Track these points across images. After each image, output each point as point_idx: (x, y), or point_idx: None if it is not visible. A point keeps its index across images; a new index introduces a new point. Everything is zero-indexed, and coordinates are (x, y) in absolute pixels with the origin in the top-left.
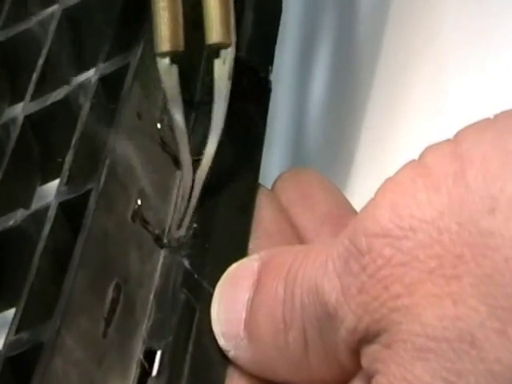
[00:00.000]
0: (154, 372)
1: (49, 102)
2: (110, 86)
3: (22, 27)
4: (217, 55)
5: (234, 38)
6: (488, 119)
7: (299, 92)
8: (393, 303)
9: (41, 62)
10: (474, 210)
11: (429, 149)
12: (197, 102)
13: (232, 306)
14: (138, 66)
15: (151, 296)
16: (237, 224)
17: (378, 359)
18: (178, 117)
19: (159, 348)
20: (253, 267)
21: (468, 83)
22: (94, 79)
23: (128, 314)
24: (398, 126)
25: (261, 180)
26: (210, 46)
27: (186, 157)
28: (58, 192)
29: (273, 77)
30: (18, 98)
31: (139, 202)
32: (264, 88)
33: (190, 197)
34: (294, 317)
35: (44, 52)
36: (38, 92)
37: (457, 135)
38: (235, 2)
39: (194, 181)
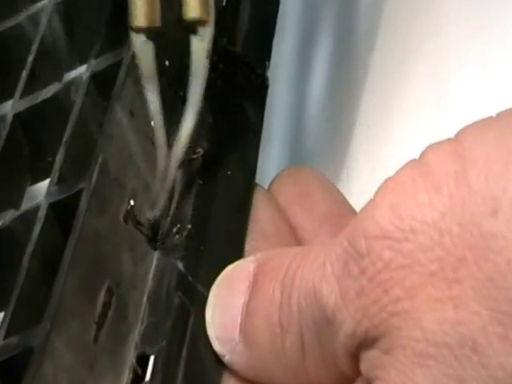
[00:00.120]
0: (147, 377)
1: (39, 100)
2: (102, 83)
3: (11, 22)
4: (194, 32)
5: (212, 16)
6: (490, 118)
7: (297, 89)
8: (393, 307)
9: (31, 58)
10: (475, 212)
11: (430, 148)
12: None
13: (227, 310)
14: (131, 62)
15: (144, 299)
16: (233, 225)
17: (377, 365)
18: (152, 96)
19: (152, 353)
20: (249, 269)
21: (469, 80)
22: (86, 76)
23: (120, 318)
24: (398, 124)
25: (258, 179)
26: (186, 21)
27: (160, 137)
28: (49, 192)
29: (270, 73)
30: (7, 95)
31: (132, 202)
32: (261, 85)
33: (166, 179)
34: (291, 321)
35: (34, 48)
36: (28, 89)
37: (458, 134)
38: None
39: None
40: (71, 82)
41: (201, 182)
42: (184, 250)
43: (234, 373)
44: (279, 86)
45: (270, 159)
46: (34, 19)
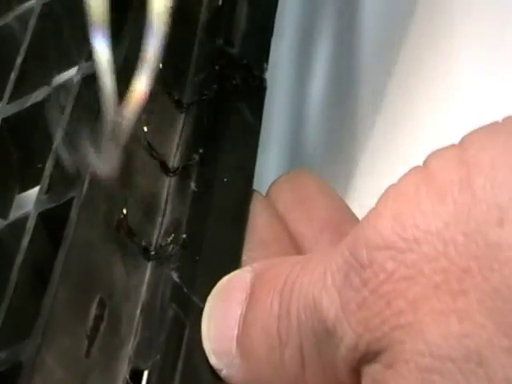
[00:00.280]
0: None
1: (28, 104)
2: (93, 86)
3: None
4: None
5: None
6: (496, 123)
7: (296, 90)
8: (395, 320)
9: (19, 60)
10: (481, 221)
11: (433, 154)
12: (186, 102)
13: (223, 322)
14: (123, 64)
15: (137, 312)
16: (229, 234)
17: (379, 380)
18: (101, 46)
19: (146, 367)
20: (245, 280)
21: (478, 82)
22: (77, 79)
23: (113, 332)
24: (402, 127)
25: (255, 185)
26: None
27: (108, 98)
28: (38, 201)
29: (268, 74)
30: None
31: (125, 211)
32: (259, 87)
33: (117, 138)
34: (289, 333)
35: (23, 50)
36: (17, 93)
37: (463, 140)
38: None
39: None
40: (62, 86)
41: (196, 189)
42: (179, 260)
43: None
44: (278, 87)
45: (269, 164)
46: (23, 20)
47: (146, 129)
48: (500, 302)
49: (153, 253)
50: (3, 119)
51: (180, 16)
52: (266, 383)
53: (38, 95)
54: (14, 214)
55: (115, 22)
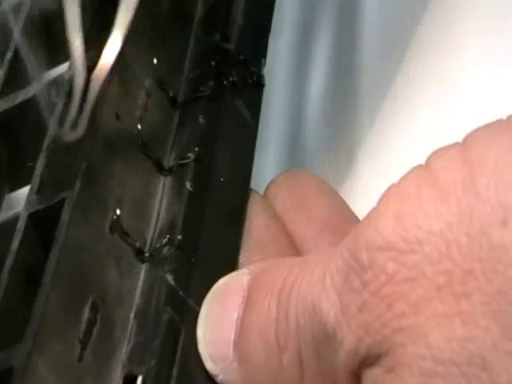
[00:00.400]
0: None
1: (18, 101)
2: (86, 83)
3: None
4: None
5: None
6: (500, 121)
7: (295, 88)
8: (397, 323)
9: (9, 55)
10: (484, 221)
11: (436, 153)
12: (181, 100)
13: (220, 326)
14: (117, 60)
15: (131, 316)
16: (226, 235)
17: None
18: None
19: (140, 373)
20: (242, 282)
21: (480, 80)
22: (68, 75)
23: (106, 336)
24: (403, 126)
25: (252, 185)
26: None
27: (76, 44)
28: (28, 201)
29: (266, 71)
30: None
31: (118, 211)
32: (256, 83)
33: (84, 100)
34: (288, 337)
35: (12, 45)
36: (6, 89)
37: (466, 138)
38: None
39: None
40: (52, 82)
41: (191, 189)
42: (174, 262)
43: None
44: (276, 84)
45: (266, 163)
46: (13, 13)
47: (139, 126)
48: (504, 304)
49: (147, 255)
50: None
51: (175, 10)
52: None
53: (28, 92)
54: (4, 215)
55: None
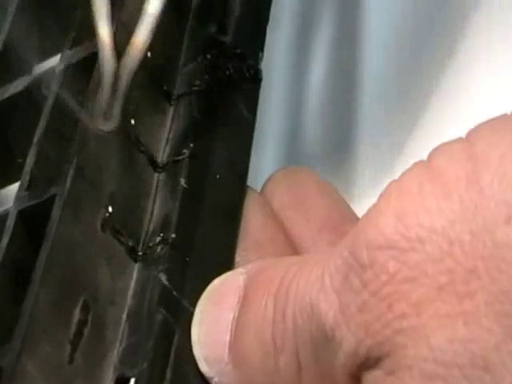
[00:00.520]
0: None
1: (7, 95)
2: (78, 76)
3: None
4: None
5: None
6: (505, 116)
7: (295, 82)
8: (398, 324)
9: None
10: (488, 219)
11: (438, 149)
12: (176, 94)
13: (215, 327)
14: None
15: (124, 316)
16: (222, 233)
17: None
18: None
19: (133, 375)
20: (238, 282)
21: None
22: (60, 68)
23: (97, 337)
24: (406, 122)
25: (249, 182)
26: None
27: (104, 31)
28: (18, 198)
29: (263, 65)
30: None
31: (110, 209)
32: (253, 77)
33: (116, 89)
34: (285, 338)
35: (2, 36)
36: None
37: (470, 134)
38: None
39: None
40: (43, 75)
41: (186, 186)
42: (168, 261)
43: None
44: (274, 78)
45: (264, 159)
46: (3, 4)
47: (133, 121)
48: (508, 304)
49: (140, 253)
50: None
51: (170, 1)
52: None
53: (17, 85)
54: None
55: None
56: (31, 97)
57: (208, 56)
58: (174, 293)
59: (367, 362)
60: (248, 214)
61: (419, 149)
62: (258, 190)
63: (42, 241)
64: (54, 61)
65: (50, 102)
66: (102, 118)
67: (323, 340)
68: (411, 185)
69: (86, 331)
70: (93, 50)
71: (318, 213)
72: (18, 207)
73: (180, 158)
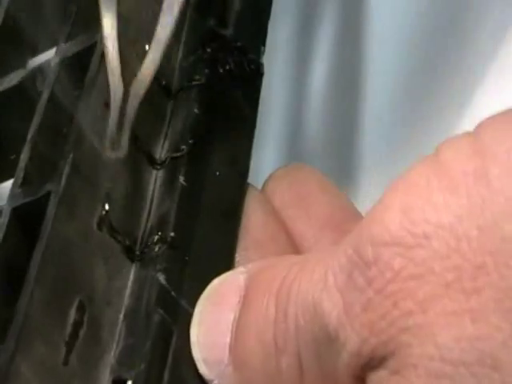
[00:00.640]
0: None
1: (0, 89)
2: (74, 70)
3: None
4: None
5: None
6: None
7: (297, 77)
8: (403, 322)
9: None
10: (497, 213)
11: (445, 143)
12: (175, 88)
13: (215, 328)
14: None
15: (120, 317)
16: (221, 232)
17: None
18: (109, 13)
19: (130, 377)
20: (239, 282)
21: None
22: (55, 62)
23: (93, 338)
24: (411, 118)
25: (250, 179)
26: None
27: (113, 60)
28: (12, 195)
29: (265, 59)
30: None
31: (107, 206)
32: (255, 72)
33: (124, 114)
34: (287, 339)
35: None
36: None
37: (478, 128)
38: None
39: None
40: (38, 69)
41: (185, 184)
42: (166, 261)
43: None
44: (276, 73)
45: (265, 156)
46: None
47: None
48: None
49: (137, 253)
50: None
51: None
52: None
53: (11, 79)
54: None
55: None
56: (25, 91)
57: (208, 50)
58: (173, 293)
59: (371, 362)
60: (248, 212)
61: (424, 147)
62: (259, 188)
63: (36, 239)
64: (49, 54)
65: (44, 97)
66: (110, 146)
67: (326, 340)
68: (417, 179)
69: (82, 332)
70: (89, 43)
71: (319, 211)
72: (12, 204)
73: (179, 154)
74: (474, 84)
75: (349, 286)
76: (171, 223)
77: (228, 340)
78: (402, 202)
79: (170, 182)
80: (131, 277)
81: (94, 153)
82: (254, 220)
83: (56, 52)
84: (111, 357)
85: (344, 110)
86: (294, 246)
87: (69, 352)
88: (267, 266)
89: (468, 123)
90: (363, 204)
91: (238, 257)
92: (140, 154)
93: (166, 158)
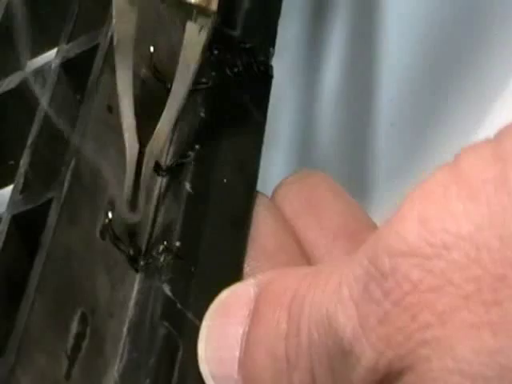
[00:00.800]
0: None
1: None
2: (75, 73)
3: None
4: (192, 19)
5: (216, 4)
6: None
7: (307, 80)
8: (421, 335)
9: None
10: None
11: (465, 150)
12: None
13: (223, 342)
14: (109, 48)
15: (124, 330)
16: (229, 242)
17: None
18: (124, 73)
19: None
20: (248, 294)
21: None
22: (55, 64)
23: (96, 352)
24: (428, 124)
25: (259, 187)
26: (185, 4)
27: (129, 127)
28: (12, 202)
29: (274, 61)
30: None
31: (110, 214)
32: (264, 75)
33: (138, 178)
34: (299, 354)
35: None
36: None
37: (498, 134)
38: None
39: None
40: (38, 71)
41: (191, 191)
42: (171, 271)
43: None
44: (285, 76)
45: (274, 162)
46: None
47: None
48: None
49: (142, 263)
50: None
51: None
52: None
53: (9, 82)
54: None
55: None
56: (24, 95)
57: (215, 51)
58: (179, 305)
59: (388, 377)
60: (258, 221)
61: (440, 154)
62: (269, 195)
63: (37, 248)
64: (50, 56)
65: (44, 101)
66: (128, 208)
67: (340, 355)
68: (436, 188)
69: (84, 345)
70: (92, 44)
71: (332, 219)
72: (12, 212)
73: (185, 160)
74: (494, 88)
75: (364, 298)
76: (177, 232)
77: (237, 355)
78: (419, 211)
79: (175, 189)
80: (135, 288)
81: (95, 159)
82: (263, 229)
83: (57, 53)
84: (115, 371)
85: (357, 112)
86: (306, 256)
87: (71, 366)
88: (278, 277)
89: (487, 129)
90: (376, 212)
91: (246, 267)
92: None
93: (172, 165)
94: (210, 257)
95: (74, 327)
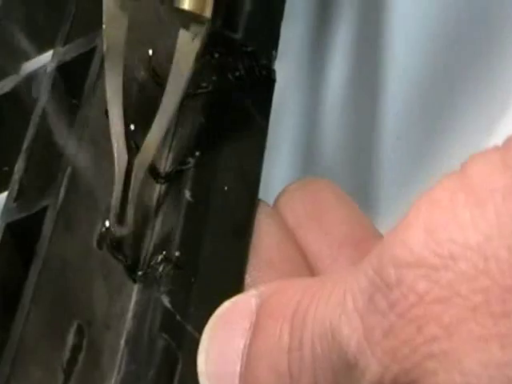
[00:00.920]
0: None
1: None
2: (71, 76)
3: None
4: (185, 27)
5: (209, 11)
6: None
7: (311, 84)
8: (427, 348)
9: None
10: None
11: (472, 158)
12: None
13: (224, 356)
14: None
15: (122, 342)
16: (230, 251)
17: None
18: (114, 80)
19: None
20: (250, 306)
21: None
22: (51, 67)
23: (93, 365)
24: (434, 132)
25: (261, 195)
26: (179, 11)
27: (117, 133)
28: (6, 210)
29: (277, 65)
30: None
31: (107, 223)
32: (266, 79)
33: (127, 189)
34: (302, 369)
35: None
36: None
37: (506, 142)
38: None
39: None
40: (33, 75)
41: (191, 199)
42: (171, 282)
43: None
44: (288, 80)
45: (277, 169)
46: None
47: (132, 127)
48: None
49: (140, 273)
50: None
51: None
52: None
53: (4, 86)
54: None
55: None
56: (18, 99)
57: (216, 55)
58: (178, 317)
59: None
60: (259, 230)
61: (447, 162)
62: (271, 203)
63: (32, 257)
64: (45, 58)
65: (40, 105)
66: (116, 221)
67: (345, 368)
68: (443, 196)
69: (81, 358)
70: (89, 46)
71: (336, 228)
72: (6, 220)
73: (184, 167)
74: (503, 95)
75: (369, 310)
76: (176, 242)
77: (238, 369)
78: (425, 220)
79: (174, 196)
80: (133, 299)
81: (93, 165)
82: (265, 238)
83: (52, 56)
84: None
85: (362, 118)
86: (309, 266)
87: (67, 379)
88: (280, 288)
89: (496, 137)
90: (382, 221)
91: (248, 278)
92: None
93: (171, 172)
94: (210, 267)
95: (70, 339)
